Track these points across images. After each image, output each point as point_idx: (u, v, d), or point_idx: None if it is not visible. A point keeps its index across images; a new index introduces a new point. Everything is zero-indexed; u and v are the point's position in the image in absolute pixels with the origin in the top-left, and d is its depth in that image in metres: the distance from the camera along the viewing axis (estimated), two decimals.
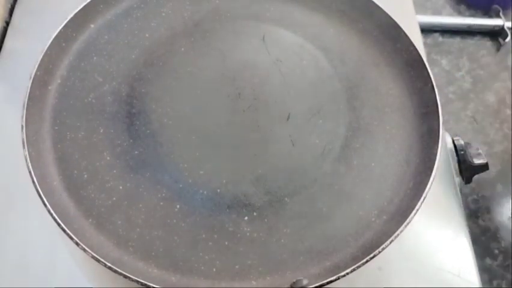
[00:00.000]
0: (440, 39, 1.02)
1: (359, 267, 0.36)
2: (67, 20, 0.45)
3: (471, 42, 1.03)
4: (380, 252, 0.36)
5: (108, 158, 0.41)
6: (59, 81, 0.44)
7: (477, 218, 0.84)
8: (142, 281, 0.34)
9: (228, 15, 0.49)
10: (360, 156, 0.42)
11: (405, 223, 0.37)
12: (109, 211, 0.38)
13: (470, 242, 0.44)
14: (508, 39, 1.00)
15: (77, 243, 0.35)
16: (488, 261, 0.80)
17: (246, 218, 0.39)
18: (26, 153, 0.38)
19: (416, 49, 0.46)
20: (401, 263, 0.42)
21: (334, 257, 0.38)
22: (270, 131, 0.43)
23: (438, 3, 1.07)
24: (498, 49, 1.02)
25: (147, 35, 0.47)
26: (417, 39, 0.55)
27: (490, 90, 0.97)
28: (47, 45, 0.43)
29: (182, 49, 0.47)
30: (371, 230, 0.39)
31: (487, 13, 1.03)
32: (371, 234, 0.39)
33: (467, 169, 0.48)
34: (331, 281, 0.35)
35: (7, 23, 0.53)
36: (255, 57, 0.46)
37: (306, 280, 0.35)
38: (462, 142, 0.50)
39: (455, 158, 0.49)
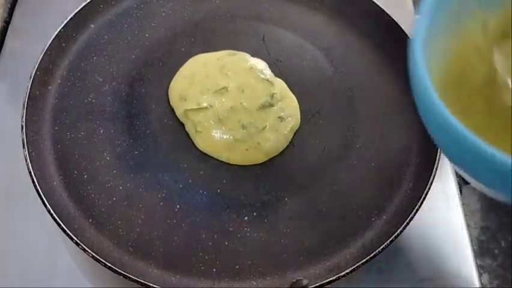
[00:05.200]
0: None
1: (359, 267, 0.36)
2: (67, 20, 0.45)
3: None
4: (380, 252, 0.36)
5: (108, 158, 0.41)
6: (59, 81, 0.44)
7: (477, 218, 0.84)
8: (142, 281, 0.34)
9: (228, 15, 0.49)
10: (360, 156, 0.42)
11: (405, 223, 0.37)
12: (109, 211, 0.38)
13: (470, 242, 0.44)
14: None
15: (77, 243, 0.35)
16: (488, 261, 0.80)
17: (246, 218, 0.39)
18: (26, 153, 0.38)
19: None
20: (401, 263, 0.42)
21: (334, 257, 0.38)
22: None
23: None
24: None
25: (147, 35, 0.47)
26: None
27: None
28: (47, 45, 0.43)
29: (183, 49, 0.47)
30: (371, 230, 0.39)
31: None
32: (371, 234, 0.39)
33: None
34: (331, 281, 0.35)
35: (7, 23, 0.53)
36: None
37: (306, 280, 0.35)
38: None
39: None
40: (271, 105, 0.43)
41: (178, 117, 0.43)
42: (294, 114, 0.43)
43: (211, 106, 0.42)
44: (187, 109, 0.42)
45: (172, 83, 0.44)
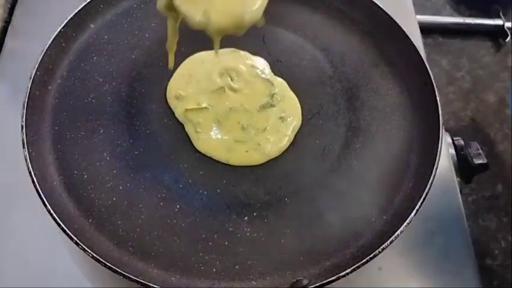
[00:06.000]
0: (440, 39, 1.02)
1: (359, 267, 0.36)
2: (67, 20, 0.45)
3: (471, 43, 1.03)
4: (380, 252, 0.36)
5: (108, 158, 0.41)
6: (59, 81, 0.44)
7: (477, 218, 0.84)
8: (142, 281, 0.34)
9: None
10: (360, 156, 0.42)
11: (405, 223, 0.37)
12: (109, 211, 0.38)
13: (470, 242, 0.44)
14: (508, 39, 1.00)
15: (77, 243, 0.35)
16: (488, 261, 0.80)
17: (246, 218, 0.39)
18: (26, 153, 0.38)
19: (416, 49, 0.46)
20: (401, 263, 0.42)
21: (334, 257, 0.38)
22: None
23: (438, 3, 1.07)
24: (498, 49, 1.02)
25: (147, 35, 0.47)
26: (417, 39, 0.54)
27: (490, 90, 0.97)
28: (47, 45, 0.43)
29: (182, 49, 0.47)
30: (371, 230, 0.39)
31: (487, 13, 1.03)
32: (371, 234, 0.39)
33: (467, 169, 0.48)
34: (331, 281, 0.35)
35: (7, 23, 0.53)
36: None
37: (306, 280, 0.35)
38: (462, 142, 0.50)
39: (455, 158, 0.49)
40: (272, 105, 0.43)
41: (177, 117, 0.43)
42: (296, 114, 0.43)
43: (210, 106, 0.42)
44: (187, 109, 0.42)
45: (170, 82, 0.44)
